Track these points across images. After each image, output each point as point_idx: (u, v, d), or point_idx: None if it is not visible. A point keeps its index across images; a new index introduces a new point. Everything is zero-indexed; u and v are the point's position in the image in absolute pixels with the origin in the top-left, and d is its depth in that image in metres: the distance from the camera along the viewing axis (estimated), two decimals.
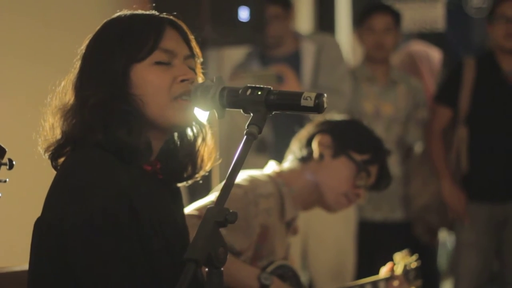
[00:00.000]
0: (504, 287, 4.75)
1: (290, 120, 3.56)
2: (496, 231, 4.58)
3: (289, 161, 2.82)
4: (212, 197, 2.55)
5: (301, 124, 2.95)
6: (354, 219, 4.55)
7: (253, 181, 2.63)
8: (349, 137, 2.79)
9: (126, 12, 2.00)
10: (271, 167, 2.81)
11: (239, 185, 2.56)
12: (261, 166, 2.85)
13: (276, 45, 4.49)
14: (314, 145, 2.77)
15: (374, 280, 2.80)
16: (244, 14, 4.09)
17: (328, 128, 2.79)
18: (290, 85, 4.23)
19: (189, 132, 2.05)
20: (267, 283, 2.53)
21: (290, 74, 4.28)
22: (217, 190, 2.62)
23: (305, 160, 2.77)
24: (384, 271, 2.84)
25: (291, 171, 2.77)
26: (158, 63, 1.92)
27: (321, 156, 2.75)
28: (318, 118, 2.84)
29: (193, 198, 2.74)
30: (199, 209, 2.44)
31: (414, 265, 2.93)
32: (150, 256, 1.86)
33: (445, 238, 5.76)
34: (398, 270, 2.85)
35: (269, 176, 2.72)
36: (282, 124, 3.83)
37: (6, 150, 1.81)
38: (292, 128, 2.94)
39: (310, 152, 2.77)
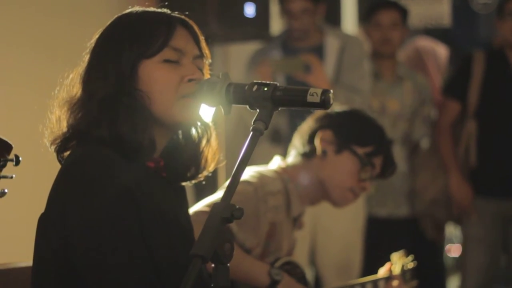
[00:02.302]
0: (510, 282, 4.75)
1: (305, 110, 3.54)
2: (503, 226, 4.58)
3: (293, 157, 2.79)
4: (221, 193, 2.54)
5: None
6: (362, 214, 4.55)
7: (261, 178, 2.62)
8: (351, 131, 2.74)
9: (137, 8, 1.99)
10: (276, 162, 2.79)
11: (248, 182, 2.56)
12: (276, 156, 2.84)
13: (302, 38, 4.49)
14: (317, 141, 2.73)
15: (374, 279, 2.80)
16: (250, 10, 4.09)
17: (329, 123, 2.74)
18: (317, 75, 4.21)
19: (194, 132, 2.05)
20: (277, 279, 2.53)
21: (317, 64, 4.27)
22: (225, 186, 2.61)
23: (308, 156, 2.74)
24: (383, 271, 2.84)
25: (295, 167, 2.75)
26: (167, 61, 1.92)
27: (324, 152, 2.72)
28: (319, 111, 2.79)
29: (199, 196, 2.74)
30: (210, 206, 2.42)
31: (410, 265, 2.94)
32: (152, 253, 1.86)
33: (452, 233, 5.76)
34: (396, 270, 2.85)
35: (275, 172, 2.71)
36: (296, 115, 3.81)
37: (13, 146, 1.81)
38: (307, 118, 2.91)
39: (313, 149, 2.74)
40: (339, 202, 2.78)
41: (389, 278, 2.82)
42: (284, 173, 2.72)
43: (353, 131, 2.74)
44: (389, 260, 2.86)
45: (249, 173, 2.62)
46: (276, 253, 2.64)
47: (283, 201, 2.66)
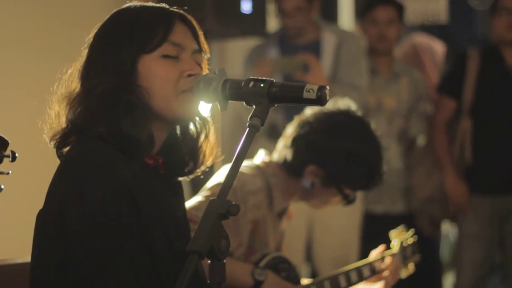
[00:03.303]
0: (506, 279, 4.76)
1: (302, 105, 3.52)
2: (498, 223, 4.59)
3: (281, 157, 2.73)
4: (198, 198, 2.52)
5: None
6: (359, 210, 4.55)
7: (241, 178, 2.59)
8: (343, 174, 2.67)
9: (136, 3, 2.00)
10: (261, 156, 2.76)
11: None
12: (273, 151, 2.82)
13: (297, 36, 4.48)
14: (307, 173, 2.67)
15: (365, 264, 2.80)
16: (246, 6, 4.09)
17: (323, 160, 2.66)
18: (316, 74, 4.21)
19: (192, 127, 2.05)
20: (261, 279, 2.53)
21: (316, 63, 4.27)
22: (207, 187, 2.60)
23: (295, 177, 2.70)
24: (374, 254, 2.84)
25: (281, 169, 2.71)
26: (166, 56, 1.93)
27: (312, 184, 2.68)
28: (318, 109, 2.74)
29: (195, 191, 2.74)
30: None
31: (410, 240, 2.93)
32: (150, 249, 1.87)
33: (448, 230, 5.77)
34: (395, 248, 2.85)
35: (257, 167, 2.69)
36: (293, 109, 3.80)
37: (9, 142, 1.81)
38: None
39: (301, 176, 2.68)
40: (319, 209, 2.84)
41: (380, 260, 2.82)
42: (268, 168, 2.70)
43: (346, 174, 2.67)
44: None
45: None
46: (262, 250, 2.63)
47: (264, 198, 2.65)
